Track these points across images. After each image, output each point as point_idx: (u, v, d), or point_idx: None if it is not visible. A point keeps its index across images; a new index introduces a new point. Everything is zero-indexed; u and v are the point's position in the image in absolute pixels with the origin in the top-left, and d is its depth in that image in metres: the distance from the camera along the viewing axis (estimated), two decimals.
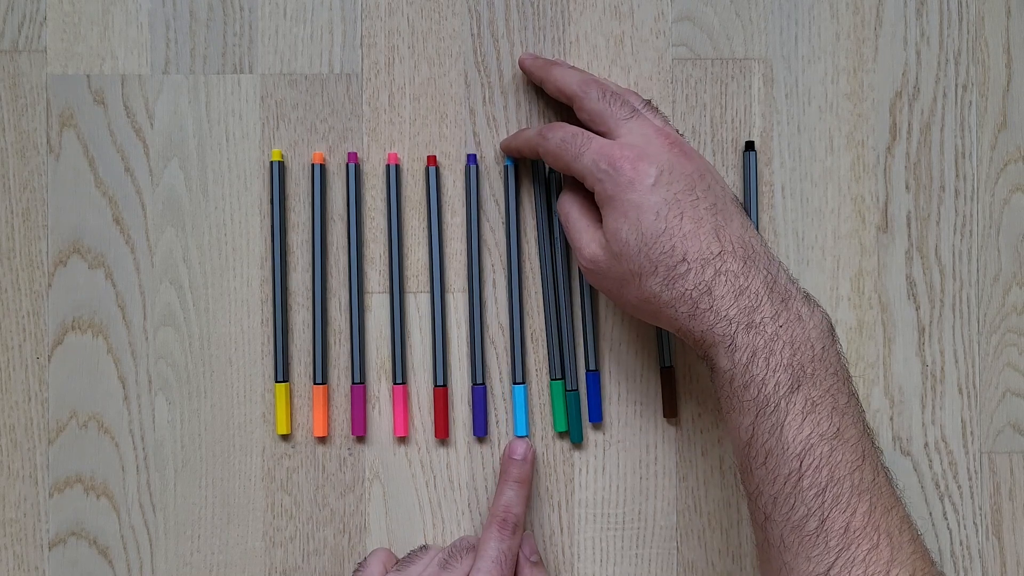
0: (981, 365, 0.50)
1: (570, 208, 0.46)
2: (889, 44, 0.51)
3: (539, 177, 0.50)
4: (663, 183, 0.42)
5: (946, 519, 0.50)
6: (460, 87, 0.50)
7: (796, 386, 0.39)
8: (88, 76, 0.50)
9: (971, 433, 0.50)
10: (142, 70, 0.50)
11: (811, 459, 0.38)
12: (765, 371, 0.39)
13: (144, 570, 0.49)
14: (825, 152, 0.51)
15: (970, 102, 0.51)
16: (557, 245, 0.50)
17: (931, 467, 0.50)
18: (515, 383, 0.49)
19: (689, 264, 0.41)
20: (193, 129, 0.50)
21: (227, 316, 0.50)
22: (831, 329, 0.41)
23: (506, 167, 0.50)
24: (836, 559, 0.37)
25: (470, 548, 0.46)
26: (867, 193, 0.51)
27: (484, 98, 0.50)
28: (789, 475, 0.38)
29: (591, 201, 0.45)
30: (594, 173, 0.43)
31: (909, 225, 0.51)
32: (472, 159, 0.50)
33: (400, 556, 0.48)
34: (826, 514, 0.38)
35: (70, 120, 0.50)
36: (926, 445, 0.50)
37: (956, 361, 0.50)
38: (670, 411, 0.50)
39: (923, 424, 0.50)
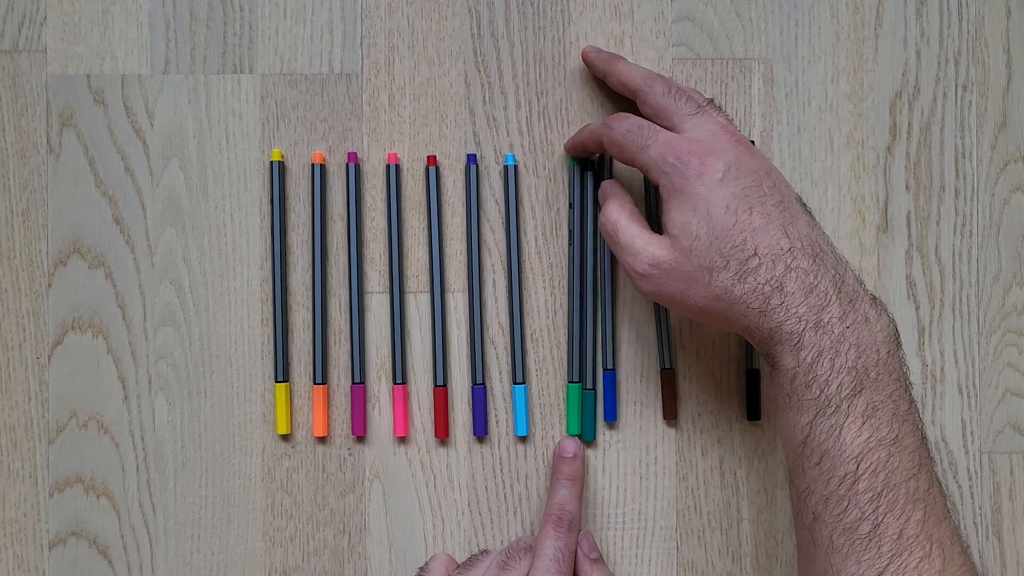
0: (981, 365, 0.50)
1: (618, 217, 0.45)
2: (889, 44, 0.51)
3: (575, 178, 0.50)
4: (731, 178, 0.41)
5: None
6: (460, 87, 0.50)
7: (859, 389, 0.39)
8: (88, 76, 0.50)
9: (971, 433, 0.50)
10: (142, 70, 0.50)
11: (868, 463, 0.38)
12: (829, 372, 0.39)
13: (144, 570, 0.49)
14: (825, 152, 0.51)
15: (970, 102, 0.51)
16: (588, 243, 0.49)
17: None
18: (515, 383, 0.49)
19: (760, 259, 0.40)
20: (193, 129, 0.50)
21: (227, 316, 0.50)
22: (896, 334, 0.41)
23: (506, 167, 0.50)
24: (888, 564, 0.37)
25: (527, 549, 0.46)
26: (867, 193, 0.51)
27: (484, 98, 0.50)
28: (844, 477, 0.38)
29: (635, 209, 0.45)
30: (660, 166, 0.42)
31: (909, 225, 0.51)
32: (472, 159, 0.50)
33: (460, 561, 0.48)
34: (880, 519, 0.38)
35: (70, 120, 0.50)
36: None
37: (956, 361, 0.50)
38: (670, 413, 0.50)
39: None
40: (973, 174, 0.51)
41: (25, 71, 0.50)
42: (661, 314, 0.50)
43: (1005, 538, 0.50)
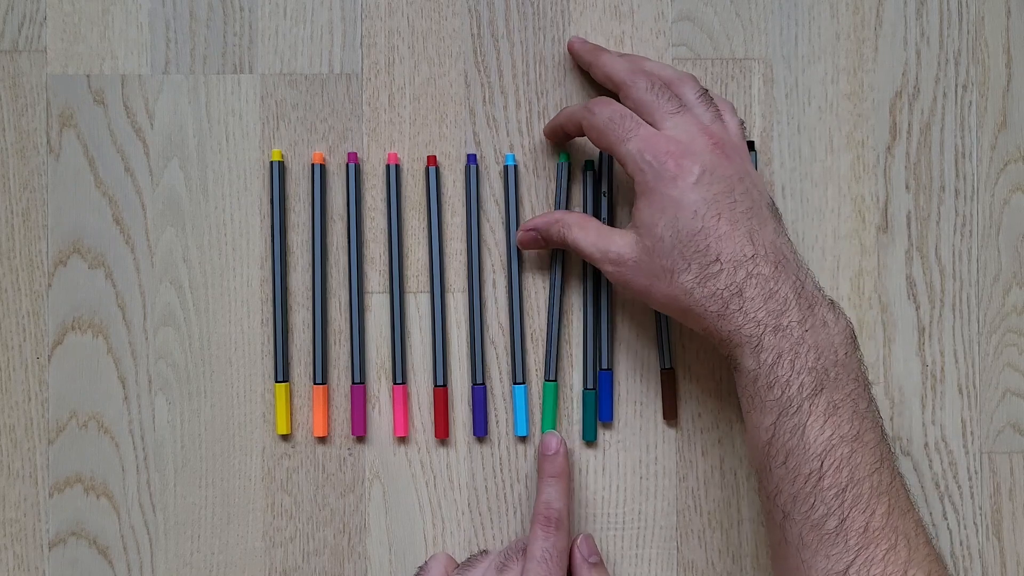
0: (981, 365, 0.50)
1: (572, 237, 0.46)
2: (889, 44, 0.51)
3: (563, 177, 0.50)
4: (704, 183, 0.42)
5: (946, 519, 0.50)
6: (460, 87, 0.50)
7: (819, 389, 0.40)
8: (88, 76, 0.50)
9: (971, 433, 0.50)
10: (142, 70, 0.50)
11: (832, 460, 0.39)
12: (790, 373, 0.40)
13: (144, 570, 0.49)
14: (825, 152, 0.51)
15: (970, 102, 0.51)
16: None
17: (931, 467, 0.50)
18: (515, 383, 0.49)
19: (722, 265, 0.41)
20: (193, 129, 0.50)
21: (227, 316, 0.50)
22: (854, 336, 0.42)
23: (506, 167, 0.50)
24: (855, 558, 0.38)
25: (525, 550, 0.46)
26: (867, 193, 0.51)
27: (484, 98, 0.50)
28: (810, 475, 0.39)
29: (580, 216, 0.47)
30: (637, 162, 0.43)
31: (909, 225, 0.51)
32: (472, 159, 0.50)
33: (459, 560, 0.48)
34: (846, 514, 0.38)
35: (70, 120, 0.50)
36: (926, 445, 0.50)
37: (956, 361, 0.50)
38: (670, 413, 0.50)
39: (923, 424, 0.50)
40: (973, 174, 0.51)
41: (25, 71, 0.50)
42: (661, 314, 0.50)
43: (1005, 538, 0.50)
